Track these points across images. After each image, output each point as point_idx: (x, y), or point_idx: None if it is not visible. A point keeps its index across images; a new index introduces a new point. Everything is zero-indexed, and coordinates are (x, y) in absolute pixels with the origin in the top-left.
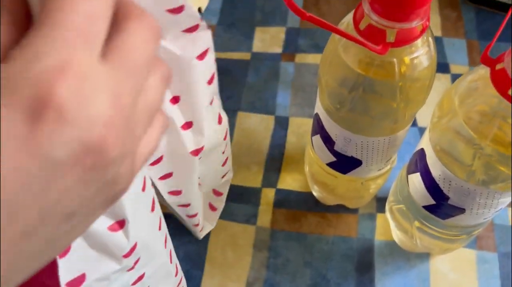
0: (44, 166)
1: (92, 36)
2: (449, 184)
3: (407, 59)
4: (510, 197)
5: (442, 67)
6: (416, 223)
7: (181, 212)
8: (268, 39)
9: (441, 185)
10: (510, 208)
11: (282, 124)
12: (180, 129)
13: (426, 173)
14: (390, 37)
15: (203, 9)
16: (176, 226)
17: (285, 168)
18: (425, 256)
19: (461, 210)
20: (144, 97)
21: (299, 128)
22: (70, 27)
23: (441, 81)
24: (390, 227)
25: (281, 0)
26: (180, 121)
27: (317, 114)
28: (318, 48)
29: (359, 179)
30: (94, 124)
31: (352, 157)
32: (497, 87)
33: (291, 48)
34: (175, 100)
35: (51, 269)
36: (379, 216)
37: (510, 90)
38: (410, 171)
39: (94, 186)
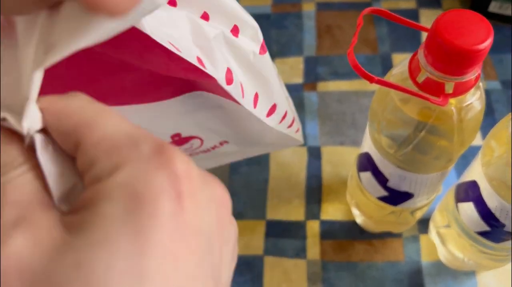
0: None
1: None
2: (506, 214)
3: (463, 106)
4: None
5: None
6: (467, 246)
7: (282, 129)
8: (287, 70)
9: (497, 215)
10: None
11: (315, 154)
12: (234, 38)
13: (481, 203)
14: (449, 89)
15: None
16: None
17: (326, 199)
18: (471, 273)
19: None
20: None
21: (332, 157)
22: None
23: None
24: (436, 248)
25: (294, 30)
26: (227, 30)
27: (367, 153)
28: (337, 75)
29: (408, 209)
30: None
31: (405, 192)
32: None
33: (311, 77)
34: (206, 16)
35: None
36: (422, 237)
37: None
38: (460, 200)
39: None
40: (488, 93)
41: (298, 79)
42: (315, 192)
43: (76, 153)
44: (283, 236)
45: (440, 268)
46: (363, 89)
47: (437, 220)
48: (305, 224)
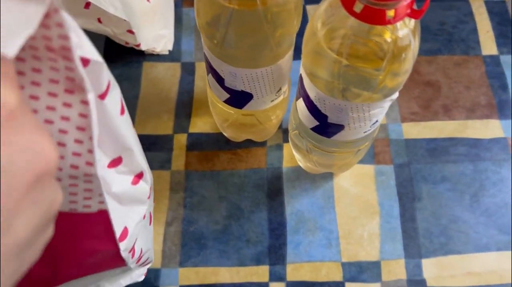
0: None
1: None
2: (324, 104)
3: None
4: (381, 110)
5: None
6: (310, 145)
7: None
8: None
9: (318, 106)
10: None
11: (188, 70)
12: None
13: (306, 96)
14: None
15: None
16: None
17: (196, 113)
18: (329, 176)
19: (341, 127)
20: None
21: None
22: None
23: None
24: (294, 154)
25: None
26: None
27: (204, 53)
28: None
29: (257, 112)
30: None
31: (242, 91)
32: (344, 5)
33: None
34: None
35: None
36: (286, 145)
37: (355, 6)
38: (297, 98)
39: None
40: None
41: None
42: (185, 107)
43: None
44: (149, 150)
45: (299, 173)
46: None
47: (289, 124)
48: (173, 137)
